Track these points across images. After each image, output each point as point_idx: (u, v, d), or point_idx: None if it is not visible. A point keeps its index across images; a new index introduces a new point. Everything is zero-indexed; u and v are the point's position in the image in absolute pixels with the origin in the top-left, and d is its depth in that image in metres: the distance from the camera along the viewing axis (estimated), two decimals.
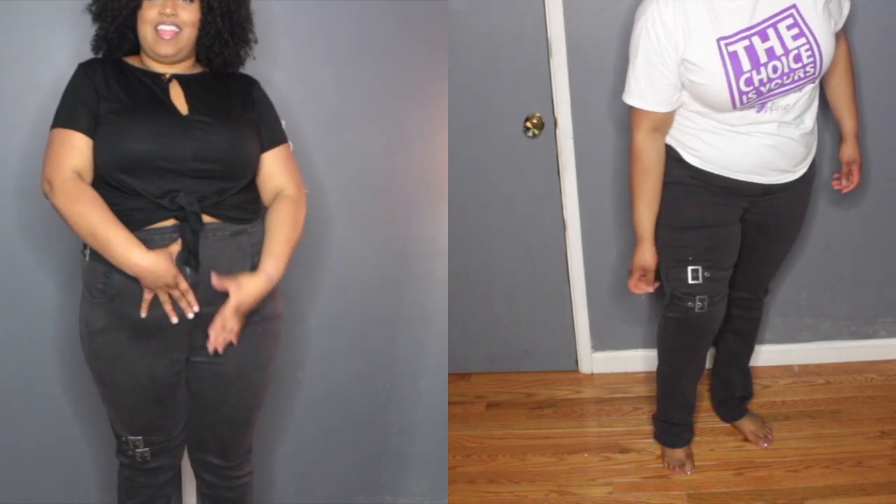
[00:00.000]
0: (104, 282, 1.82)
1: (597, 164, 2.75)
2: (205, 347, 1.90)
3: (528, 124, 2.69)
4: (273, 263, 1.90)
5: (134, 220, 1.80)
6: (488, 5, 2.58)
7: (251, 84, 2.02)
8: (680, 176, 2.19)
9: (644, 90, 2.07)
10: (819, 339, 2.96)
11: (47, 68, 2.07)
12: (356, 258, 2.46)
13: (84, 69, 1.87)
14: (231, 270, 1.87)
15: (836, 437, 2.61)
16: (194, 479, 2.13)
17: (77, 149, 1.80)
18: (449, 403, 2.91)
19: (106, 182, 1.81)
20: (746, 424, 2.66)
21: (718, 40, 1.98)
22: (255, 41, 2.01)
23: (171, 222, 1.82)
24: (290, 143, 2.04)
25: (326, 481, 2.60)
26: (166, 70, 1.92)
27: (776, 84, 2.02)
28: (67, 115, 1.82)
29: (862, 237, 2.81)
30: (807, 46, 2.00)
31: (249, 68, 2.04)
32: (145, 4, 1.85)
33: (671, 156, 2.18)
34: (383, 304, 2.52)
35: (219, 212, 1.86)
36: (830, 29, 2.04)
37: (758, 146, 2.11)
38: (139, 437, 1.95)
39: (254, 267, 1.90)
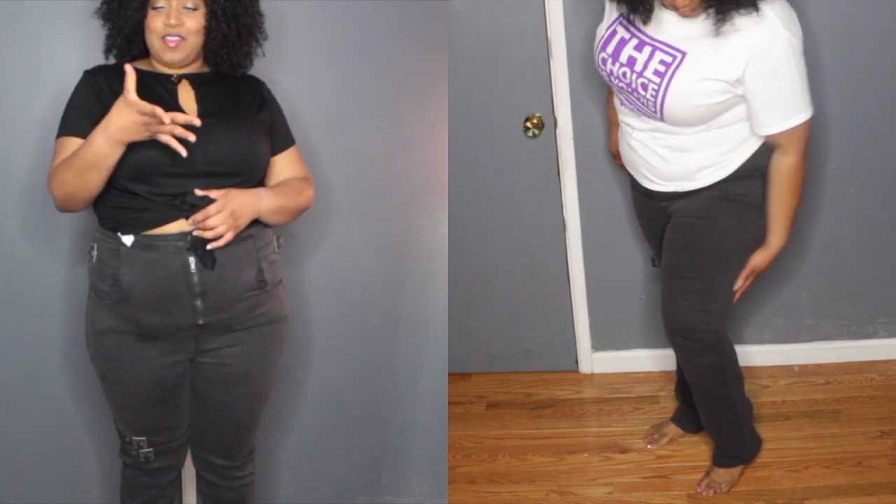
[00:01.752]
0: (112, 284, 1.83)
1: (597, 164, 2.75)
2: (210, 350, 1.91)
3: (528, 124, 2.69)
4: (267, 193, 1.91)
5: (144, 220, 1.81)
6: (488, 5, 2.57)
7: (259, 84, 2.03)
8: None
9: None
10: (819, 339, 2.96)
11: (50, 69, 2.08)
12: (356, 258, 2.46)
13: (88, 78, 1.88)
14: (238, 278, 1.88)
15: (836, 437, 2.61)
16: (195, 479, 2.13)
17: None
18: (449, 403, 2.91)
19: (115, 188, 1.82)
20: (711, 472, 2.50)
21: (620, 14, 2.04)
22: (266, 38, 2.01)
23: (176, 229, 1.82)
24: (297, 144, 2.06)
25: (326, 481, 2.60)
26: (176, 72, 1.92)
27: (622, 89, 2.06)
28: (70, 124, 1.84)
29: (861, 237, 2.81)
30: (655, 86, 1.97)
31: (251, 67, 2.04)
32: (150, 13, 1.85)
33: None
34: (383, 305, 2.52)
35: None
36: (702, 100, 1.95)
37: (624, 143, 2.20)
38: (143, 438, 1.96)
39: (260, 273, 1.91)
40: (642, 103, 2.02)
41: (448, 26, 2.54)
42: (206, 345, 1.91)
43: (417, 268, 2.52)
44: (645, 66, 1.97)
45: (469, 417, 2.91)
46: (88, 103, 1.84)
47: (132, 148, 1.78)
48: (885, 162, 2.70)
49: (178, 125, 1.73)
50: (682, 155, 2.08)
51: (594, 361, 3.07)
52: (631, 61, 2.00)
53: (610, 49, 2.03)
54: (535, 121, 2.69)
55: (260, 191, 1.90)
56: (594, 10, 2.54)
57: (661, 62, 1.95)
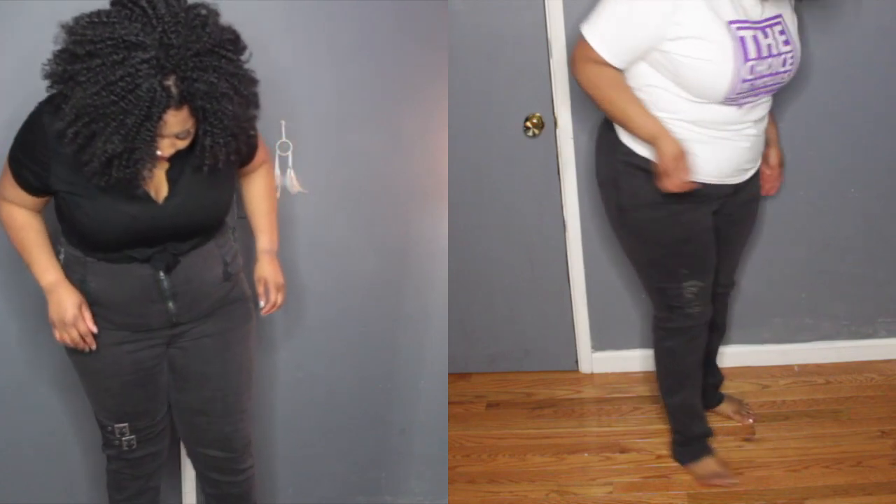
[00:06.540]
0: (80, 289, 1.86)
1: None
2: (184, 332, 1.97)
3: (528, 124, 2.69)
4: (268, 238, 2.08)
5: (110, 258, 1.84)
6: (488, 5, 2.57)
7: None
8: (654, 195, 2.15)
9: (606, 33, 2.03)
10: (819, 339, 2.96)
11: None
12: (356, 258, 2.46)
13: (45, 118, 1.71)
14: (204, 276, 1.92)
15: (836, 437, 2.61)
16: (194, 480, 2.13)
17: (18, 194, 1.80)
18: (449, 403, 2.91)
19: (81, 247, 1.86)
20: (726, 407, 2.74)
21: (729, 22, 1.97)
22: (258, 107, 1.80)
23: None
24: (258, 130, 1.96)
25: (326, 481, 2.60)
26: None
27: (765, 82, 2.05)
28: (17, 163, 1.76)
29: (861, 237, 2.81)
30: (791, 53, 2.07)
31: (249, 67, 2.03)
32: None
33: (649, 173, 2.13)
34: (383, 304, 2.52)
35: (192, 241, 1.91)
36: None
37: (738, 149, 2.15)
38: (125, 424, 1.98)
39: (226, 267, 1.96)
40: (781, 81, 2.09)
41: (448, 26, 2.54)
42: (178, 341, 1.98)
43: (417, 268, 2.52)
44: (777, 45, 2.03)
45: (469, 417, 2.91)
46: (36, 150, 1.73)
47: (95, 229, 1.77)
48: (885, 162, 2.70)
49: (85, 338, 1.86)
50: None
51: (594, 361, 3.07)
52: (770, 49, 2.02)
53: (752, 52, 1.98)
54: (535, 121, 2.68)
55: (265, 246, 2.07)
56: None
57: (780, 32, 2.05)
